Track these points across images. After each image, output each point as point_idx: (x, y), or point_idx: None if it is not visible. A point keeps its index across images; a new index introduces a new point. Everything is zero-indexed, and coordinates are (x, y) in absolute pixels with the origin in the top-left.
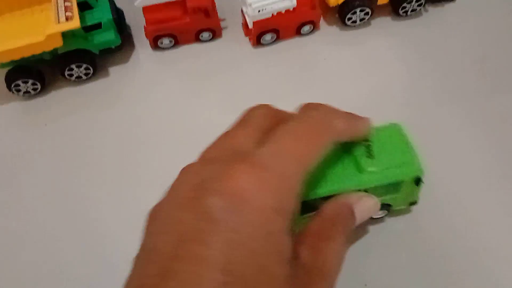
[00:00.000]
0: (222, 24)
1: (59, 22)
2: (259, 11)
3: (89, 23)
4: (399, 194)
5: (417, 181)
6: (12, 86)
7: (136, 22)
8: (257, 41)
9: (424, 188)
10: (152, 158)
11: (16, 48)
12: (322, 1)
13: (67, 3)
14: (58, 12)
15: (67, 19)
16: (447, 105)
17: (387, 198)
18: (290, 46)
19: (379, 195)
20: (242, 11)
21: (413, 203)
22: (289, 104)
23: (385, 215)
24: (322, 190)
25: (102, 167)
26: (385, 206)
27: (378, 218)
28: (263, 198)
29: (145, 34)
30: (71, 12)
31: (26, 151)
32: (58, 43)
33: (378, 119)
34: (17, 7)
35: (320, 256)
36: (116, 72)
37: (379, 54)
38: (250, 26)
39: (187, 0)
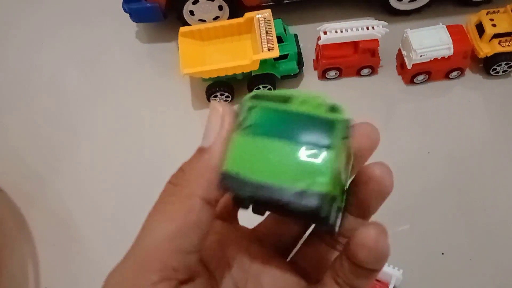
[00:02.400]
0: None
1: (262, 51)
2: (421, 55)
3: (280, 54)
4: None
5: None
6: (212, 96)
7: (306, 57)
8: (411, 80)
9: None
10: None
11: (226, 67)
12: (471, 51)
13: (268, 37)
14: (261, 43)
15: (268, 49)
16: None
17: None
18: (438, 87)
19: None
20: (398, 53)
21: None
22: (431, 134)
23: None
24: None
25: None
26: None
27: None
28: None
29: (318, 66)
30: (272, 44)
31: None
32: (255, 67)
33: None
34: (229, 34)
35: None
36: None
37: None
38: (409, 67)
39: (361, 42)
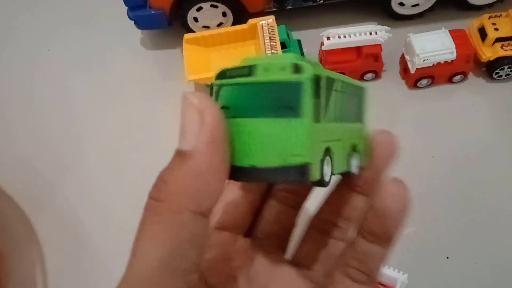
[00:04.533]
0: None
1: None
2: (424, 60)
3: None
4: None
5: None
6: None
7: None
8: (414, 84)
9: None
10: None
11: None
12: (474, 55)
13: (272, 43)
14: (265, 49)
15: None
16: None
17: None
18: (442, 91)
19: None
20: (401, 58)
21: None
22: (435, 138)
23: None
24: None
25: None
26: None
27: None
28: None
29: None
30: (275, 50)
31: None
32: None
33: None
34: (233, 40)
35: None
36: None
37: None
38: (412, 71)
39: (364, 47)
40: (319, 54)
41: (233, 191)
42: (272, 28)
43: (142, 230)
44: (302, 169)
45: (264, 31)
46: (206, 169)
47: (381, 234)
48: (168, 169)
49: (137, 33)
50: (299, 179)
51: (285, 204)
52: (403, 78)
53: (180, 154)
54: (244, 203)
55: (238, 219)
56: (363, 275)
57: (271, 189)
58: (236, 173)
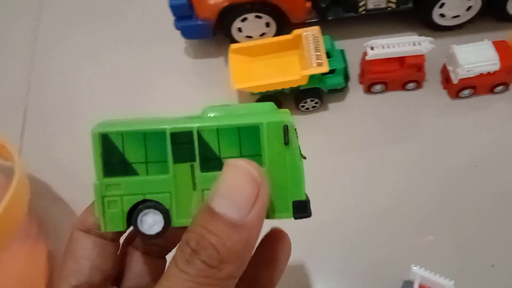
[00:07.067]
0: None
1: (312, 67)
2: (468, 71)
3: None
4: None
5: (286, 133)
6: None
7: (350, 71)
8: (456, 94)
9: None
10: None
11: (277, 82)
12: None
13: (317, 53)
14: (311, 59)
15: (317, 65)
16: None
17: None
18: (483, 101)
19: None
20: (443, 68)
21: (300, 204)
22: (477, 147)
23: None
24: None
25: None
26: None
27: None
28: None
29: (363, 80)
30: (321, 60)
31: None
32: (304, 82)
33: None
34: (277, 50)
35: None
36: (334, 107)
37: None
38: (455, 82)
39: (407, 57)
40: (360, 63)
41: (91, 247)
42: (316, 38)
43: (180, 281)
44: None
45: (309, 41)
46: (254, 241)
47: None
48: (216, 235)
49: (180, 43)
50: None
51: (149, 255)
52: (444, 88)
53: (231, 224)
54: (106, 257)
55: (104, 275)
56: None
57: (132, 240)
58: None
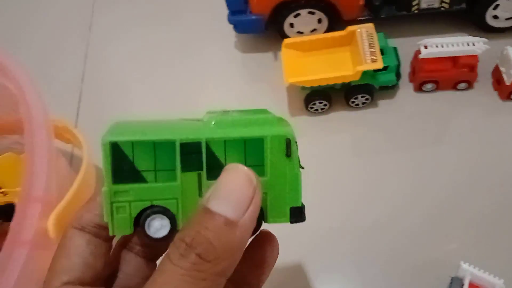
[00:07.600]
0: None
1: (365, 63)
2: None
3: None
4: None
5: (288, 146)
6: (310, 104)
7: (401, 69)
8: (508, 96)
9: None
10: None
11: (329, 77)
12: None
13: (371, 49)
14: (365, 55)
15: (372, 61)
16: None
17: None
18: None
19: None
20: (495, 69)
21: (296, 210)
22: None
23: None
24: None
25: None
26: None
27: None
28: None
29: (414, 78)
30: (375, 56)
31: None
32: (357, 77)
33: None
34: (330, 46)
35: None
36: (384, 104)
37: None
38: (508, 83)
39: (460, 57)
40: (411, 61)
41: (85, 245)
42: (371, 35)
43: (175, 275)
44: None
45: (364, 38)
46: (246, 242)
47: None
48: (213, 232)
49: (231, 37)
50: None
51: (142, 257)
52: (496, 89)
53: (228, 223)
54: (98, 256)
55: (96, 273)
56: None
57: (128, 241)
58: None
